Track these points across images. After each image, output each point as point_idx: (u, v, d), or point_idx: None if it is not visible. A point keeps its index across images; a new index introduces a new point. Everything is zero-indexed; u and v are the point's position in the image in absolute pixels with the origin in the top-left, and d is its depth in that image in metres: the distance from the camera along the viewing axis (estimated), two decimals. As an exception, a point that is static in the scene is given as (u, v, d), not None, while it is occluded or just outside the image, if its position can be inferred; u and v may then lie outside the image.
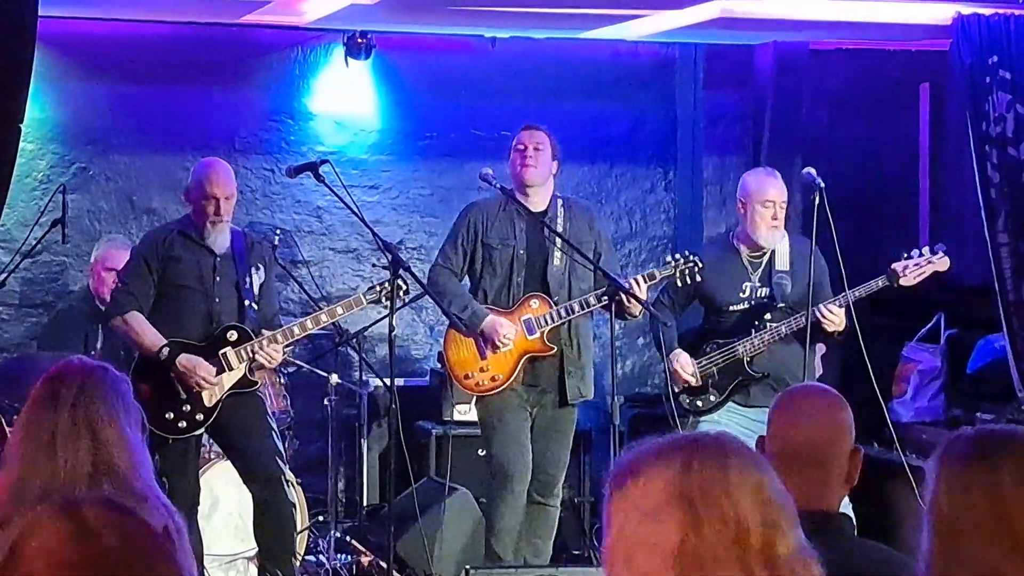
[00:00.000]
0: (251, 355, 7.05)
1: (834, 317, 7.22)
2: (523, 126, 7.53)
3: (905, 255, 7.46)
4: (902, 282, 7.38)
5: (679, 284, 7.39)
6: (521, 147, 7.39)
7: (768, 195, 7.40)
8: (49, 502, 2.15)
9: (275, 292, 7.59)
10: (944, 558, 2.54)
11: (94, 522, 2.08)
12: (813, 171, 7.33)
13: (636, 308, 7.25)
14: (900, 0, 8.65)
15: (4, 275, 8.55)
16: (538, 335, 7.33)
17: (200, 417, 7.01)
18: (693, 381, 7.43)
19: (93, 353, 7.84)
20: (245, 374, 7.08)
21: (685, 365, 7.43)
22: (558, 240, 7.35)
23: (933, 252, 7.47)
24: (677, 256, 7.43)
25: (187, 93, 9.52)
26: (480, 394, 7.46)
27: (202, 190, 7.07)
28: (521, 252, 7.39)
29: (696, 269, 7.33)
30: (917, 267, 7.41)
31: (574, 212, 7.51)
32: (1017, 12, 8.59)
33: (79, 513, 2.10)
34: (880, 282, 7.36)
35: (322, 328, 7.50)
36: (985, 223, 8.60)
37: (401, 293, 7.13)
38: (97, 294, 8.17)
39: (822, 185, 7.18)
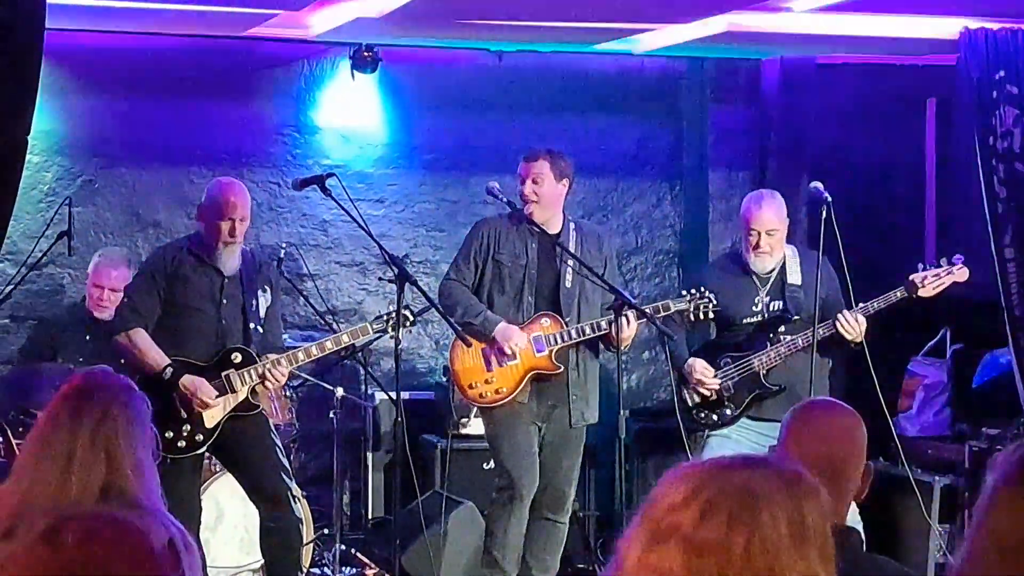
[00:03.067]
0: (254, 378, 7.01)
1: (856, 325, 7.18)
2: (524, 154, 7.47)
3: (921, 266, 7.42)
4: (921, 293, 7.33)
5: (691, 319, 7.38)
6: (522, 179, 7.37)
7: (750, 223, 7.40)
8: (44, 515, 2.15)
9: (280, 315, 7.55)
10: (968, 568, 2.51)
11: (68, 530, 2.08)
12: (820, 185, 7.32)
13: (625, 337, 7.19)
14: (907, 15, 8.65)
15: (9, 287, 8.56)
16: (546, 353, 7.31)
17: (200, 438, 6.96)
18: (717, 385, 7.39)
19: (81, 360, 7.81)
20: (247, 397, 7.04)
21: (705, 371, 7.40)
22: (570, 261, 7.33)
23: (951, 263, 7.43)
24: (692, 291, 7.41)
25: (193, 106, 9.52)
26: (483, 405, 7.45)
27: (219, 210, 6.99)
28: (532, 272, 7.38)
29: (710, 306, 7.33)
30: (936, 278, 7.37)
31: (585, 235, 7.50)
32: (1024, 27, 8.59)
33: (60, 521, 2.09)
34: (899, 293, 7.32)
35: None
36: (992, 238, 8.59)
37: (407, 324, 7.11)
38: (88, 308, 8.19)
39: (829, 199, 7.17)
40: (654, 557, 2.16)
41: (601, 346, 7.50)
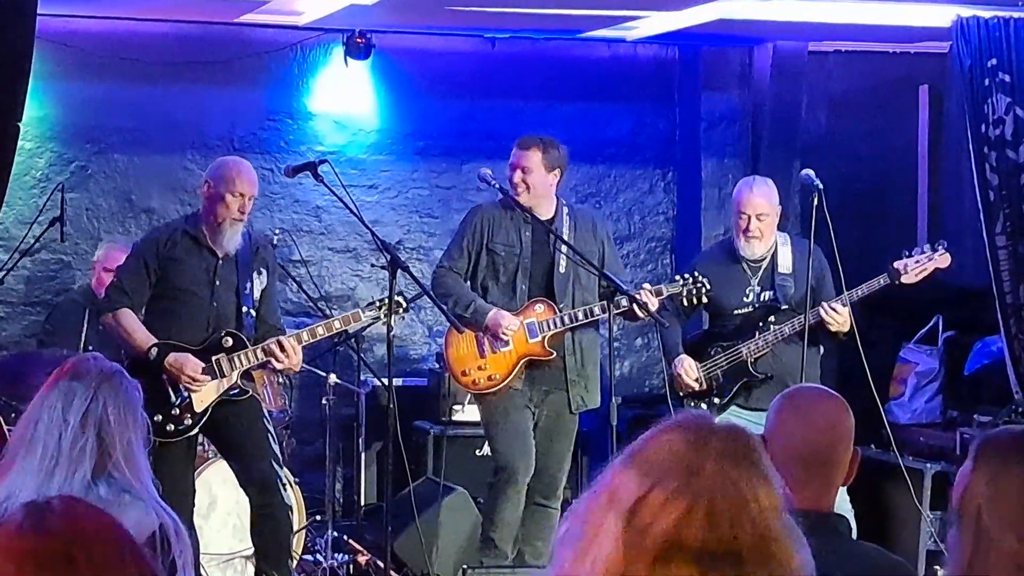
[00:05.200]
0: (245, 363, 6.99)
1: (837, 316, 7.21)
2: (517, 141, 7.45)
3: (906, 253, 7.45)
4: (904, 279, 7.36)
5: (684, 304, 7.39)
6: (512, 167, 7.35)
7: (740, 206, 7.41)
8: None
9: (276, 297, 7.53)
10: (977, 556, 2.53)
11: (50, 516, 2.09)
12: (812, 173, 7.32)
13: (640, 316, 7.24)
14: (899, 2, 8.66)
15: (3, 273, 8.56)
16: (539, 339, 7.31)
17: (188, 421, 6.92)
18: (697, 386, 7.42)
19: (91, 349, 7.83)
20: (238, 382, 7.02)
21: (689, 370, 7.42)
22: (564, 247, 7.33)
23: (934, 249, 7.46)
24: (686, 276, 7.42)
25: (186, 92, 9.52)
26: (477, 392, 7.46)
27: (231, 185, 6.91)
28: (526, 260, 7.37)
29: (703, 291, 7.33)
30: (919, 264, 7.40)
31: (579, 220, 7.50)
32: (1016, 15, 8.59)
33: (39, 508, 2.10)
34: (882, 280, 7.34)
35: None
36: (983, 225, 8.60)
37: (400, 311, 7.10)
38: (97, 293, 8.17)
39: (820, 187, 7.18)
40: None
41: (603, 330, 7.49)
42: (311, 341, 7.26)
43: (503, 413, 7.36)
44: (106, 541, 2.09)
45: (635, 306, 7.11)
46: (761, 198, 7.39)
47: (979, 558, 2.59)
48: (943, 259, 7.44)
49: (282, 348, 6.96)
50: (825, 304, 7.23)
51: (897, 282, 7.36)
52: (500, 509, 7.37)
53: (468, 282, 7.43)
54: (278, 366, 7.05)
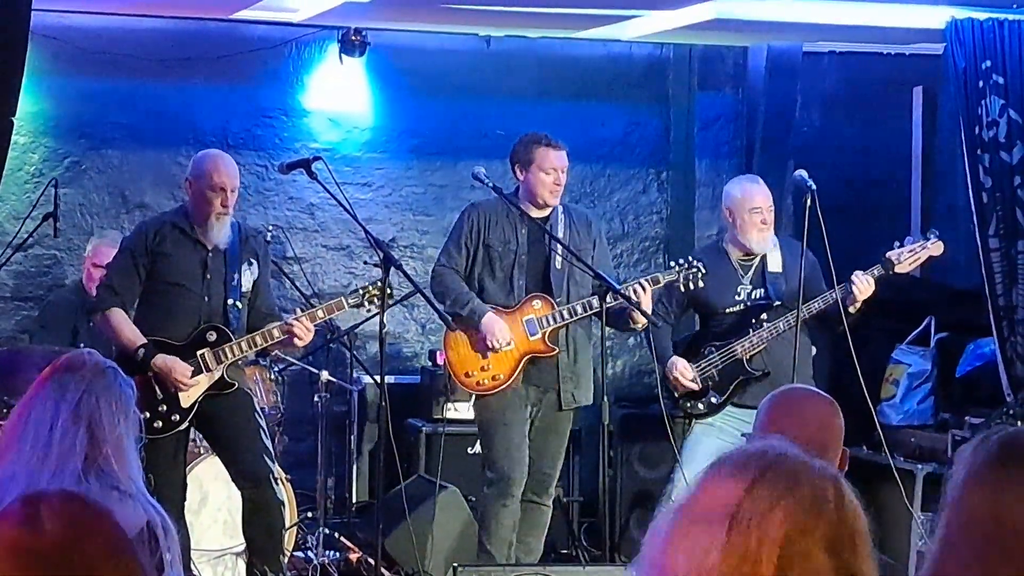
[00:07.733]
0: (229, 357, 6.96)
1: (867, 287, 7.22)
2: (545, 140, 7.35)
3: (898, 244, 7.45)
4: (898, 269, 7.38)
5: (682, 289, 7.38)
6: (552, 171, 7.33)
7: (754, 202, 7.41)
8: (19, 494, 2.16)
9: (270, 286, 7.50)
10: (945, 556, 2.52)
11: (46, 513, 2.09)
12: (805, 173, 7.33)
13: (640, 321, 7.21)
14: (894, 3, 8.66)
15: (-5, 268, 8.55)
16: (540, 336, 7.30)
17: (176, 418, 6.89)
18: (694, 387, 7.41)
19: (82, 346, 7.82)
20: (224, 375, 6.98)
21: (684, 371, 7.42)
22: (559, 244, 7.34)
23: (926, 238, 7.48)
24: (681, 261, 7.40)
25: (180, 88, 9.51)
26: (480, 393, 7.42)
27: (210, 180, 6.87)
28: (523, 256, 7.37)
29: (700, 275, 7.33)
30: (912, 253, 7.41)
31: (573, 219, 7.49)
32: (1011, 17, 8.60)
33: (36, 503, 2.10)
34: (876, 271, 7.35)
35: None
36: (976, 227, 8.61)
37: (387, 297, 7.07)
38: (87, 289, 8.16)
39: (813, 187, 7.18)
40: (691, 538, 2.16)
41: (596, 329, 7.48)
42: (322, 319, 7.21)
43: (501, 423, 7.32)
44: (104, 537, 2.09)
45: (626, 301, 7.09)
46: (766, 190, 7.45)
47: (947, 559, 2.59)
48: (936, 247, 7.45)
49: (297, 326, 6.93)
50: (858, 273, 7.25)
51: (891, 271, 7.38)
52: (496, 520, 7.34)
53: (466, 280, 7.42)
54: (297, 342, 6.99)
